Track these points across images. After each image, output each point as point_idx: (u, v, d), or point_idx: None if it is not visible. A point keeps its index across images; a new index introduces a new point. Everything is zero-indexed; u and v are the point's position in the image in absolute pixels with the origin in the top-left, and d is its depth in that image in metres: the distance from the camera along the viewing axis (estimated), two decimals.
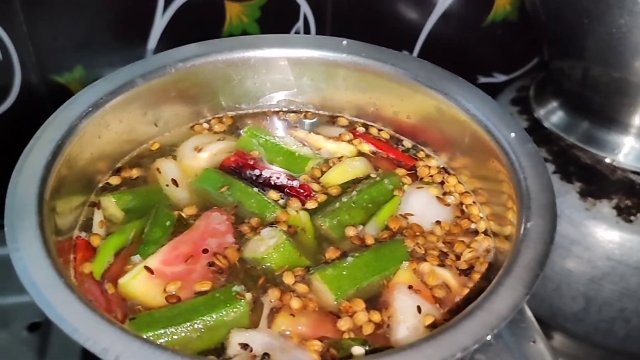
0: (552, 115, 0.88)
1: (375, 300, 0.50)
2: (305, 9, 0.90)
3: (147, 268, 0.49)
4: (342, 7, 0.91)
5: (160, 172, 0.59)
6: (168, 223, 0.54)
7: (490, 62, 1.07)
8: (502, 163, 0.53)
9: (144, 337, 0.39)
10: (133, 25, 0.85)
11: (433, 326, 0.48)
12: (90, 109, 0.54)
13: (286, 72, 0.64)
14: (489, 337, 0.38)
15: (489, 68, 1.08)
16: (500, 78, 1.09)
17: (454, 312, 0.49)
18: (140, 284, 0.49)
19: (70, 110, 0.53)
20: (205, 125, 0.65)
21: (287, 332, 0.47)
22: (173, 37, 0.85)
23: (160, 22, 0.85)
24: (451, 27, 0.98)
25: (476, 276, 0.53)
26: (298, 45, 0.63)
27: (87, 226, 0.54)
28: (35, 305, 0.82)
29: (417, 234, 0.55)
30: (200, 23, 0.87)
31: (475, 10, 0.99)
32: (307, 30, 0.91)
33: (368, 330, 0.48)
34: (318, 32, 0.92)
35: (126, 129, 0.59)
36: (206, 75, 0.62)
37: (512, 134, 0.54)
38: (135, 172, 0.59)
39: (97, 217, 0.55)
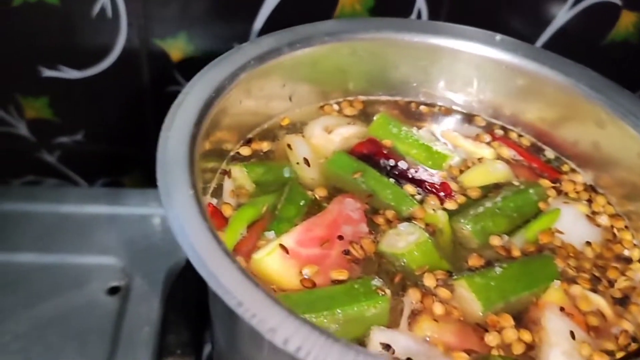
0: None
1: (523, 319, 0.46)
2: (420, 3, 0.87)
3: (282, 246, 0.46)
4: (458, 7, 0.87)
5: (291, 148, 0.56)
6: (302, 202, 0.50)
7: None
8: None
9: (314, 322, 0.35)
10: (243, 1, 0.83)
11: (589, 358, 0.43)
12: (238, 71, 0.51)
13: (430, 61, 0.60)
14: None
15: None
16: None
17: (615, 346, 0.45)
18: (275, 262, 0.46)
19: (218, 70, 0.50)
20: (335, 107, 0.62)
21: (429, 338, 0.43)
22: (281, 18, 0.83)
23: (270, 1, 0.82)
24: (567, 43, 0.93)
25: (634, 308, 0.48)
26: (449, 34, 0.59)
27: (217, 193, 0.51)
28: (115, 268, 0.81)
29: (570, 254, 0.50)
30: (310, 7, 0.84)
31: (595, 29, 0.93)
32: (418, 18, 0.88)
33: (518, 349, 0.44)
34: None
35: (264, 99, 0.56)
36: (348, 52, 0.58)
37: None
38: (265, 145, 0.56)
39: (228, 185, 0.52)
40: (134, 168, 1.01)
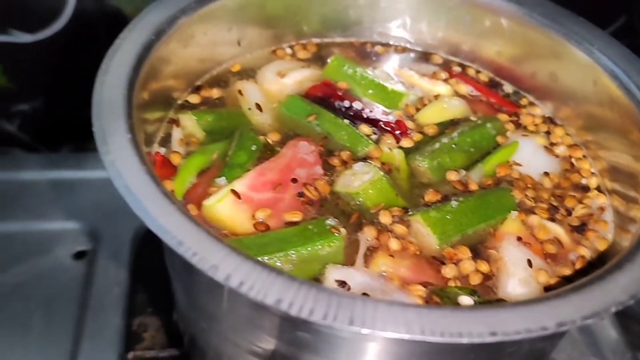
0: None
1: (480, 250, 0.46)
2: None
3: (233, 192, 0.45)
4: None
5: (242, 94, 0.54)
6: (254, 147, 0.49)
7: (581, 12, 1.00)
8: (632, 114, 0.47)
9: (257, 258, 0.34)
10: None
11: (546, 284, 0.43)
12: (178, 13, 0.49)
13: (382, 0, 0.58)
14: None
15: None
16: None
17: (571, 272, 0.44)
18: (227, 207, 0.44)
19: (157, 13, 0.48)
20: (288, 51, 0.60)
21: (385, 274, 0.43)
22: None
23: None
24: None
25: (591, 234, 0.47)
26: None
27: (165, 142, 0.50)
28: (81, 233, 0.79)
29: (528, 185, 0.50)
30: None
31: None
32: None
33: (476, 280, 0.43)
34: None
35: (209, 43, 0.54)
36: None
37: None
38: (215, 92, 0.54)
39: (177, 134, 0.50)
40: None
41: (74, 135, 0.98)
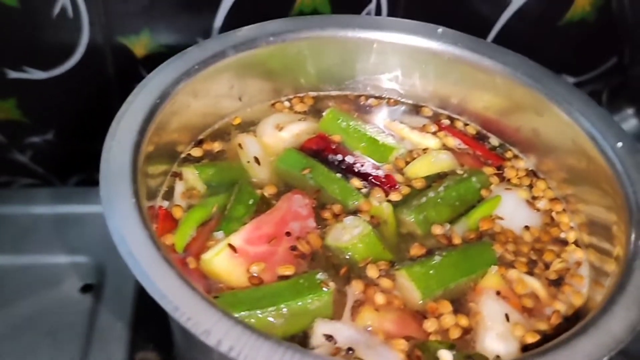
0: (625, 123, 0.85)
1: (461, 304, 0.48)
2: None
3: (230, 246, 0.48)
4: None
5: (242, 147, 0.57)
6: (251, 201, 0.52)
7: (560, 63, 1.03)
8: (606, 173, 0.50)
9: (245, 321, 0.37)
10: None
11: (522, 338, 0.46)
12: (182, 76, 0.52)
13: (375, 56, 0.62)
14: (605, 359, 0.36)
15: (558, 69, 1.04)
16: (568, 80, 1.05)
17: (546, 326, 0.47)
18: (224, 261, 0.48)
19: (162, 76, 0.52)
20: (287, 104, 0.63)
21: (370, 328, 0.46)
22: (242, 11, 0.84)
23: None
24: (525, 23, 0.94)
25: (567, 289, 0.50)
26: (391, 28, 0.61)
27: (169, 196, 0.53)
28: (88, 267, 0.83)
29: (509, 239, 0.53)
30: None
31: (552, 9, 0.95)
32: (378, 13, 0.89)
33: (455, 334, 0.46)
34: (389, 16, 0.89)
35: (212, 101, 0.57)
36: (295, 52, 0.60)
37: (620, 144, 0.51)
38: (216, 146, 0.58)
39: (179, 188, 0.53)
40: None
41: (82, 167, 1.02)
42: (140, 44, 0.87)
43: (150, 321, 0.76)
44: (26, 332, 0.75)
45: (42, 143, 0.97)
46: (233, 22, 0.80)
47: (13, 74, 0.86)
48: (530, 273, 0.51)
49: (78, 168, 1.03)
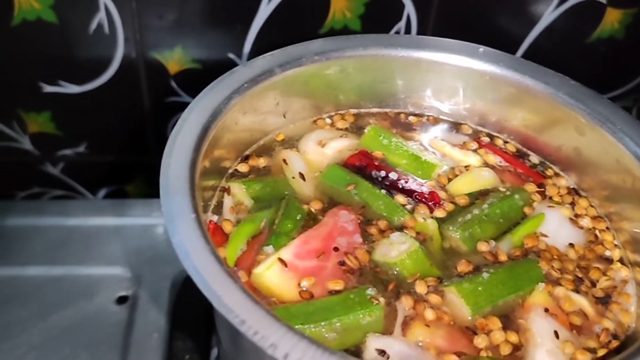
0: None
1: (510, 320, 0.49)
2: (409, 8, 0.89)
3: (281, 260, 0.49)
4: (446, 9, 0.89)
5: (287, 163, 0.58)
6: (299, 216, 0.53)
7: (588, 80, 1.04)
8: None
9: (310, 336, 0.38)
10: (237, 12, 0.85)
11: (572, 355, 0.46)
12: (232, 94, 0.53)
13: (417, 74, 0.63)
14: None
15: (587, 86, 1.04)
16: None
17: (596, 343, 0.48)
18: (275, 275, 0.48)
19: (214, 94, 0.53)
20: (328, 121, 0.64)
21: (421, 343, 0.46)
22: (275, 26, 0.85)
23: (264, 10, 0.84)
24: (554, 41, 0.95)
25: (614, 307, 0.50)
26: (433, 48, 0.62)
27: (218, 210, 0.54)
28: (123, 278, 0.84)
29: (554, 256, 0.53)
30: (303, 15, 0.86)
31: (581, 26, 0.95)
32: (407, 31, 0.90)
33: (506, 350, 0.46)
34: (419, 34, 0.90)
35: (258, 118, 0.58)
36: (337, 70, 0.61)
37: None
38: (262, 162, 0.59)
39: (228, 202, 0.54)
40: (136, 176, 1.03)
41: (113, 179, 1.04)
42: (173, 60, 0.88)
43: (185, 332, 0.77)
44: (63, 343, 0.77)
45: (74, 155, 0.98)
46: (266, 37, 0.82)
47: (48, 88, 0.88)
48: (576, 291, 0.51)
49: (108, 180, 1.04)
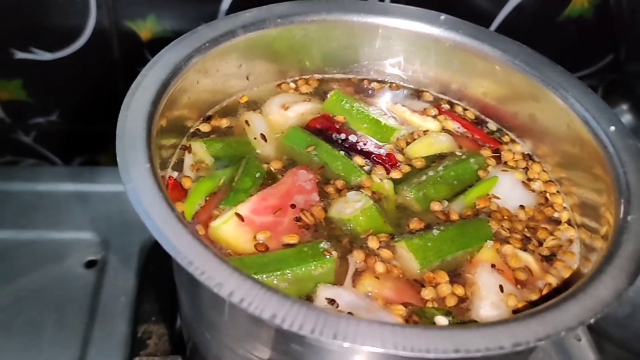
0: (620, 118, 0.87)
1: (458, 275, 0.51)
2: None
3: (237, 215, 0.50)
4: None
5: (249, 124, 0.59)
6: (258, 174, 0.54)
7: (557, 59, 1.05)
8: (599, 156, 0.53)
9: (264, 281, 0.39)
10: None
11: (515, 307, 0.48)
12: (193, 53, 0.54)
13: (380, 40, 0.64)
14: (592, 321, 0.38)
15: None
16: None
17: (538, 297, 0.50)
18: (231, 229, 0.50)
19: (174, 52, 0.53)
20: (292, 85, 0.65)
21: (370, 294, 0.48)
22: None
23: None
24: (524, 19, 0.96)
25: (558, 264, 0.52)
26: (396, 14, 0.63)
27: (178, 167, 0.55)
28: (92, 243, 0.84)
29: (505, 217, 0.55)
30: None
31: (551, 5, 0.97)
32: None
33: (451, 302, 0.48)
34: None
35: (221, 79, 0.59)
36: (301, 34, 0.62)
37: (612, 128, 0.53)
38: (224, 122, 0.60)
39: (188, 160, 0.55)
40: (109, 146, 1.03)
41: (86, 149, 1.04)
42: (146, 28, 0.89)
43: (153, 295, 0.78)
44: (31, 306, 0.78)
45: (46, 124, 0.98)
46: (240, 8, 0.82)
47: (20, 55, 0.88)
48: (524, 249, 0.53)
49: (81, 150, 1.04)
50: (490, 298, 0.49)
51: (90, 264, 0.83)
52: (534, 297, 0.50)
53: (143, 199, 0.41)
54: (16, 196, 0.89)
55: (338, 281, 0.49)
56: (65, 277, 0.81)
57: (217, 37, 0.56)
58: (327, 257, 0.49)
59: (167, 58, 0.53)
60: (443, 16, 0.63)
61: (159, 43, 0.90)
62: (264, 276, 0.46)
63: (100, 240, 0.85)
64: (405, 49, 0.64)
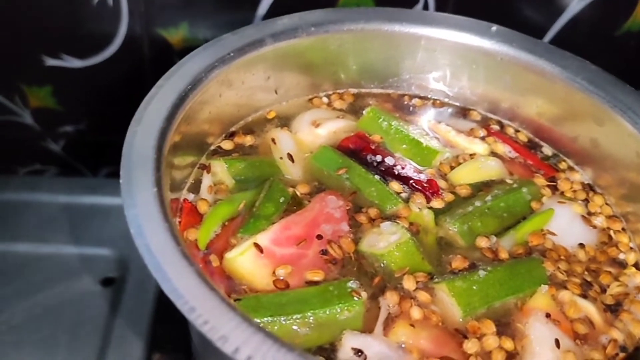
0: None
1: (506, 325, 0.44)
2: None
3: (256, 245, 0.45)
4: None
5: (275, 143, 0.54)
6: (282, 199, 0.49)
7: (616, 76, 0.98)
8: None
9: (267, 329, 0.33)
10: None
11: None
12: (216, 63, 0.49)
13: (423, 53, 0.58)
14: None
15: None
16: None
17: (602, 357, 0.42)
18: (248, 261, 0.44)
19: (195, 62, 0.49)
20: (325, 100, 0.60)
21: (404, 345, 0.42)
22: (284, 6, 0.81)
23: None
24: (579, 33, 0.89)
25: (625, 316, 0.45)
26: (441, 24, 0.57)
27: (195, 188, 0.50)
28: (110, 260, 0.80)
29: (561, 257, 0.48)
30: None
31: (610, 18, 0.89)
32: (425, 9, 0.85)
33: (498, 358, 0.42)
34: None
35: (246, 92, 0.54)
36: (337, 44, 0.56)
37: None
38: (248, 139, 0.54)
39: (207, 181, 0.50)
40: None
41: (114, 159, 1.00)
42: (178, 37, 0.85)
43: (170, 321, 0.73)
44: (45, 323, 0.74)
45: (75, 133, 0.96)
46: (276, 16, 0.77)
47: (50, 62, 0.86)
48: (584, 296, 0.46)
49: (109, 160, 1.01)
50: (544, 355, 0.42)
51: (107, 282, 0.79)
52: (597, 355, 0.43)
53: (145, 229, 0.36)
54: (38, 207, 0.86)
55: (367, 328, 0.42)
56: (82, 295, 0.77)
57: (244, 46, 0.52)
58: (356, 298, 0.43)
59: (187, 68, 0.48)
60: (494, 27, 0.56)
61: (191, 51, 0.86)
62: (282, 319, 0.41)
63: (119, 257, 0.81)
64: (451, 63, 0.58)
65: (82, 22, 0.82)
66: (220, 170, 0.51)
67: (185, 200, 0.48)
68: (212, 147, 0.53)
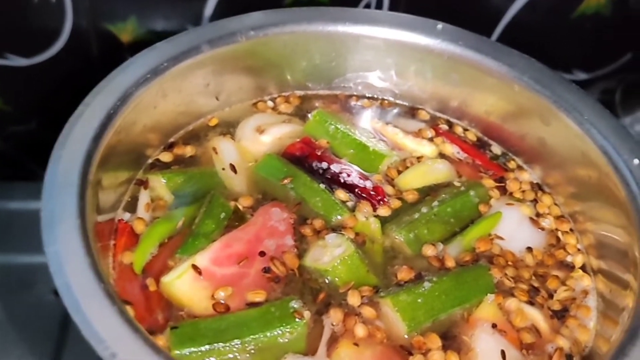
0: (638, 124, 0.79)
1: (452, 338, 0.43)
2: None
3: (194, 267, 0.43)
4: None
5: (217, 153, 0.52)
6: (223, 215, 0.47)
7: (571, 58, 0.97)
8: (619, 192, 0.45)
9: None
10: None
11: None
12: (148, 75, 0.47)
13: (368, 52, 0.56)
14: None
15: (570, 64, 0.97)
16: (580, 76, 0.99)
17: None
18: (186, 285, 0.43)
19: (126, 75, 0.46)
20: (270, 104, 0.58)
21: None
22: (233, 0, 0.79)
23: None
24: (536, 15, 0.88)
25: (571, 322, 0.45)
26: (386, 23, 0.55)
27: (132, 207, 0.48)
28: None
29: (509, 263, 0.47)
30: None
31: (565, 1, 0.89)
32: (378, 6, 0.83)
33: None
34: (391, 10, 0.83)
35: (184, 100, 0.52)
36: (279, 47, 0.54)
37: (636, 161, 0.45)
38: (189, 150, 0.52)
39: (144, 198, 0.48)
40: None
41: None
42: (126, 31, 0.81)
43: None
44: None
45: (25, 132, 0.92)
46: (225, 9, 0.74)
47: None
48: (531, 302, 0.46)
49: None
50: None
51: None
52: None
53: (65, 267, 0.34)
54: None
55: (310, 349, 0.41)
56: (34, 306, 0.75)
57: (178, 55, 0.49)
58: (298, 320, 0.42)
59: (117, 82, 0.46)
60: (440, 25, 0.55)
61: (141, 46, 0.83)
62: (221, 346, 0.40)
63: None
64: (397, 62, 0.57)
65: (25, 19, 0.79)
66: (158, 185, 0.49)
67: (120, 220, 0.46)
68: (150, 161, 0.51)
